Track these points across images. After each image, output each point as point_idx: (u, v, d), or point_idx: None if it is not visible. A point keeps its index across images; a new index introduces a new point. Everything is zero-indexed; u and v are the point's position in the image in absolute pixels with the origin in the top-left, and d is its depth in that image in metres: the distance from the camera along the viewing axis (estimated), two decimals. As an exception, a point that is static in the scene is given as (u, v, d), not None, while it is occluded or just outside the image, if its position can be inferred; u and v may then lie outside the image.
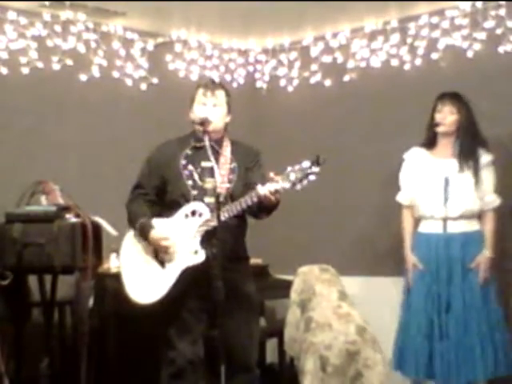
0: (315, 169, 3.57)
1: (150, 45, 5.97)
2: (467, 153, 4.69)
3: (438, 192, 4.68)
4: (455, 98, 4.76)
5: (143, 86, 5.91)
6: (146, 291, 3.95)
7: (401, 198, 4.95)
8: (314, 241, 6.11)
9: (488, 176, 4.70)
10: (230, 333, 3.69)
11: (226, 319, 3.56)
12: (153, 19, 5.80)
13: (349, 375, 4.90)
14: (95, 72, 5.68)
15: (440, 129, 4.75)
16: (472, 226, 4.71)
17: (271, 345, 5.85)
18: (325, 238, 6.11)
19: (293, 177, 3.59)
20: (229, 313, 3.60)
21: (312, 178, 3.59)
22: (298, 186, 3.61)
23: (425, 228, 4.80)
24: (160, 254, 3.96)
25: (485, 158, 4.70)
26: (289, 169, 3.61)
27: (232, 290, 3.70)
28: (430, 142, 4.82)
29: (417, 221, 4.88)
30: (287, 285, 5.48)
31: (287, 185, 3.61)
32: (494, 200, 4.72)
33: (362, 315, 5.13)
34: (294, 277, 5.48)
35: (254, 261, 5.14)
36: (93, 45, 5.66)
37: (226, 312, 3.55)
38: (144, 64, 5.92)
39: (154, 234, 3.94)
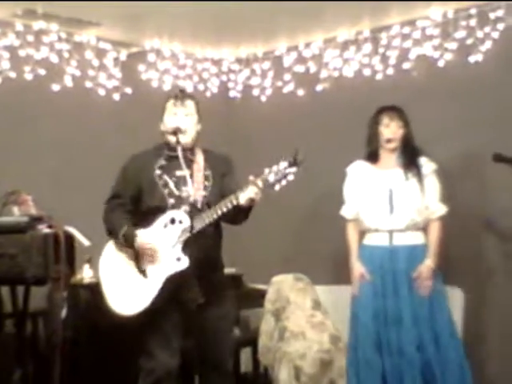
0: (293, 168, 3.60)
1: (123, 55, 5.96)
2: (410, 162, 4.64)
3: (383, 204, 4.60)
4: (401, 111, 4.71)
5: (116, 96, 5.90)
6: (130, 302, 3.94)
7: (345, 212, 4.83)
8: (288, 250, 6.12)
9: (432, 184, 4.65)
10: (205, 341, 3.70)
11: (203, 327, 3.57)
12: (126, 29, 5.79)
13: (322, 384, 4.93)
14: (68, 82, 5.66)
15: (391, 145, 4.67)
16: (417, 239, 4.63)
17: (245, 354, 5.85)
18: (299, 247, 6.12)
19: (271, 178, 3.62)
20: (204, 321, 3.60)
21: (290, 177, 3.63)
22: (277, 187, 3.64)
23: (370, 241, 4.70)
24: (144, 262, 3.95)
25: (428, 166, 4.66)
26: (267, 170, 3.64)
27: (208, 299, 3.71)
28: (374, 156, 4.74)
29: (361, 234, 4.79)
30: (261, 294, 5.49)
31: (267, 185, 3.63)
32: (439, 208, 4.66)
33: (335, 324, 5.16)
34: (268, 286, 5.49)
35: (228, 270, 5.13)
36: (66, 55, 5.64)
37: (203, 320, 3.55)
38: (117, 74, 5.92)
39: (140, 240, 3.92)
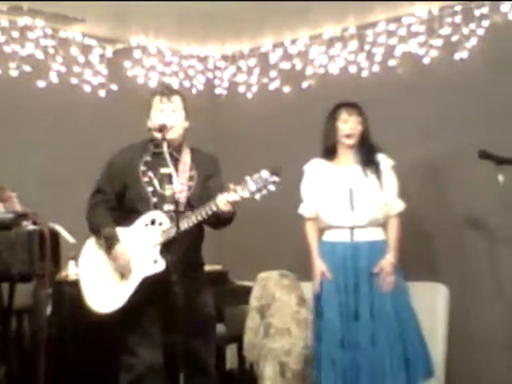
0: (274, 178, 3.60)
1: (109, 51, 5.95)
2: (369, 159, 4.63)
3: (344, 201, 4.58)
4: (359, 108, 4.69)
5: (102, 93, 5.88)
6: (106, 300, 3.95)
7: (303, 210, 4.79)
8: (274, 247, 6.12)
9: (390, 181, 4.65)
10: (187, 339, 3.70)
11: (184, 326, 3.57)
12: (112, 25, 5.78)
13: (307, 381, 4.93)
14: (53, 78, 5.64)
15: (351, 141, 4.64)
16: (378, 235, 4.63)
17: (231, 350, 5.86)
18: (284, 244, 6.12)
19: (252, 187, 3.61)
20: (186, 319, 3.61)
21: (271, 187, 3.62)
22: (258, 196, 3.63)
23: (330, 237, 4.68)
24: (117, 268, 3.96)
25: (386, 162, 4.67)
26: (247, 178, 3.63)
27: (189, 297, 3.71)
28: (331, 152, 4.71)
29: (320, 231, 4.76)
30: (247, 291, 5.50)
31: (246, 194, 3.63)
32: (397, 204, 4.67)
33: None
34: (253, 283, 5.50)
35: (213, 267, 5.18)
36: (51, 51, 5.62)
37: (184, 318, 3.55)
38: (103, 70, 5.90)
39: (118, 248, 3.93)
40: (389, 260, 4.57)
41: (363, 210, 4.56)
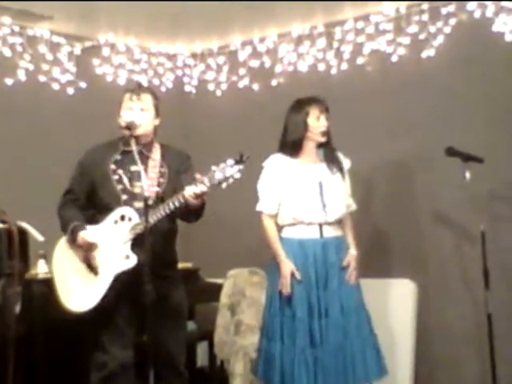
0: (239, 166, 3.62)
1: (78, 49, 5.92)
2: (332, 157, 4.62)
3: (315, 197, 4.52)
4: (326, 104, 4.63)
5: (70, 91, 5.85)
6: (80, 299, 3.94)
7: (264, 207, 4.61)
8: (244, 244, 6.13)
9: (348, 180, 4.67)
10: (158, 337, 3.70)
11: (155, 324, 3.57)
12: (80, 23, 5.75)
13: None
14: (21, 76, 5.60)
15: (325, 138, 4.59)
16: (340, 230, 4.62)
17: (202, 348, 5.86)
18: (254, 241, 6.12)
19: (219, 176, 3.63)
20: (157, 317, 3.61)
21: (237, 175, 3.64)
22: (224, 185, 3.65)
23: (297, 234, 4.55)
24: (87, 257, 3.95)
25: (346, 162, 4.67)
26: (213, 168, 3.64)
27: (160, 295, 3.72)
28: (296, 147, 4.59)
29: (279, 228, 4.63)
30: (217, 288, 5.51)
31: (214, 183, 3.64)
32: (352, 203, 4.70)
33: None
34: (224, 280, 5.51)
35: (184, 265, 5.17)
36: (19, 48, 5.58)
37: (155, 316, 3.56)
38: (71, 68, 5.87)
39: (81, 234, 3.93)
40: (354, 254, 4.59)
41: (334, 206, 4.55)
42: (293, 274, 4.48)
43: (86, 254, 3.98)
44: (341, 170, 4.62)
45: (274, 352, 4.48)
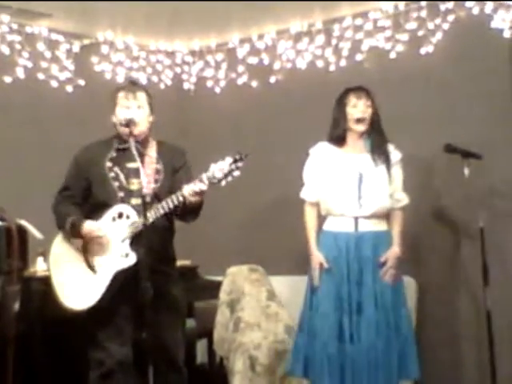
0: (238, 164, 3.62)
1: (76, 46, 5.91)
2: (379, 148, 4.52)
3: (352, 189, 4.44)
4: (368, 91, 4.57)
5: (69, 88, 5.85)
6: (80, 297, 3.93)
7: (305, 194, 4.62)
8: (243, 241, 6.13)
9: (398, 173, 4.59)
10: (156, 334, 3.70)
11: (153, 320, 3.57)
12: (78, 20, 5.75)
13: (278, 375, 4.95)
14: (20, 74, 5.60)
15: (362, 127, 4.51)
16: (382, 225, 4.52)
17: (201, 345, 5.87)
18: (253, 238, 6.14)
19: (218, 174, 3.63)
20: (155, 314, 3.61)
21: (236, 173, 3.65)
22: (223, 183, 3.66)
23: (333, 226, 4.52)
24: (93, 252, 3.93)
25: (395, 154, 4.58)
26: (212, 166, 3.64)
27: (159, 292, 3.71)
28: (340, 139, 4.56)
29: (321, 218, 4.62)
30: (217, 285, 5.51)
31: (213, 182, 3.65)
32: (403, 198, 4.62)
33: (290, 315, 5.19)
34: (223, 277, 5.51)
35: (183, 262, 5.17)
36: (17, 46, 5.58)
37: (153, 313, 3.56)
38: (70, 66, 5.86)
39: (86, 225, 3.91)
40: (396, 252, 4.49)
41: (371, 199, 4.44)
42: (322, 266, 4.45)
43: (88, 245, 3.95)
44: (387, 162, 4.52)
45: (300, 345, 4.50)
